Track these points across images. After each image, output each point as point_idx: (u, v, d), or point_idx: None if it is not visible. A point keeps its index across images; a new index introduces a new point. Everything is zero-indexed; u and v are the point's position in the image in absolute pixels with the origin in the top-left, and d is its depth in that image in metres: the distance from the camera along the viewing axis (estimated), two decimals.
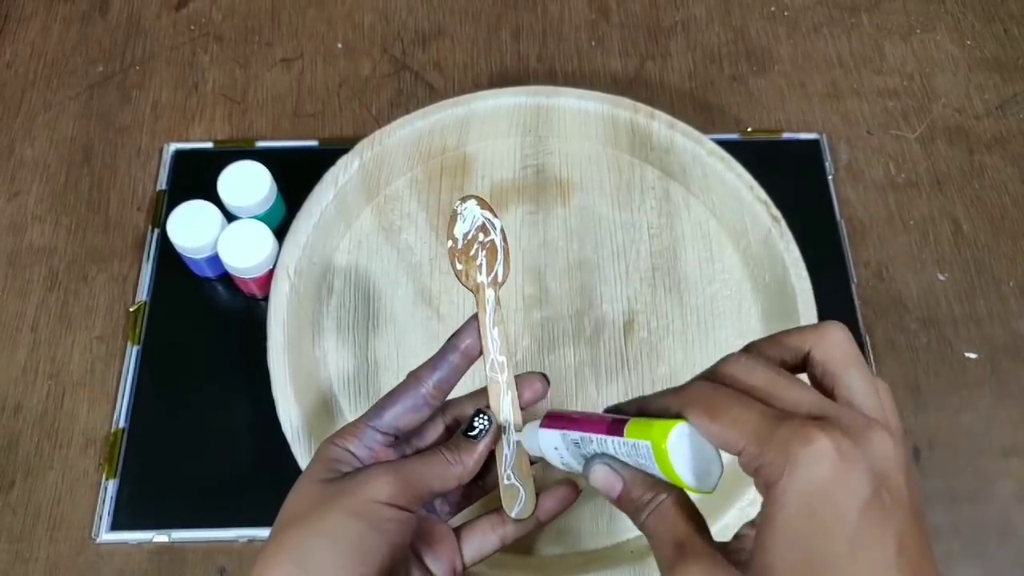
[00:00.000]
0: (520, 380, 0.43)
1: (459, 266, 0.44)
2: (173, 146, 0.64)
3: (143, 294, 0.58)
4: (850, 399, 0.30)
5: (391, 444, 0.41)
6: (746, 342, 0.35)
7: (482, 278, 0.43)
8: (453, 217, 0.44)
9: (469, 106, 0.60)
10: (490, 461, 0.42)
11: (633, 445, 0.33)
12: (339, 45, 0.69)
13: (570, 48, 0.69)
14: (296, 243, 0.55)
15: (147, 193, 0.62)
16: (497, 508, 0.42)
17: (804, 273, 0.54)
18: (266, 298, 0.54)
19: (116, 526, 0.51)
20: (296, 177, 0.58)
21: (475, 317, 0.43)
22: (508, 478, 0.42)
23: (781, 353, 0.33)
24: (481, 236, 0.44)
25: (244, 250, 0.54)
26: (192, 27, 0.70)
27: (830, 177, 0.63)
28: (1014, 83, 0.68)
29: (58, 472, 0.53)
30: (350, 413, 0.53)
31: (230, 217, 0.56)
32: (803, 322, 0.53)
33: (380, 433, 0.41)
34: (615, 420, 0.34)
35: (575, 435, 0.37)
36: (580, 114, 0.61)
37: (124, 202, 0.62)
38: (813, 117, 0.66)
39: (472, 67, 0.68)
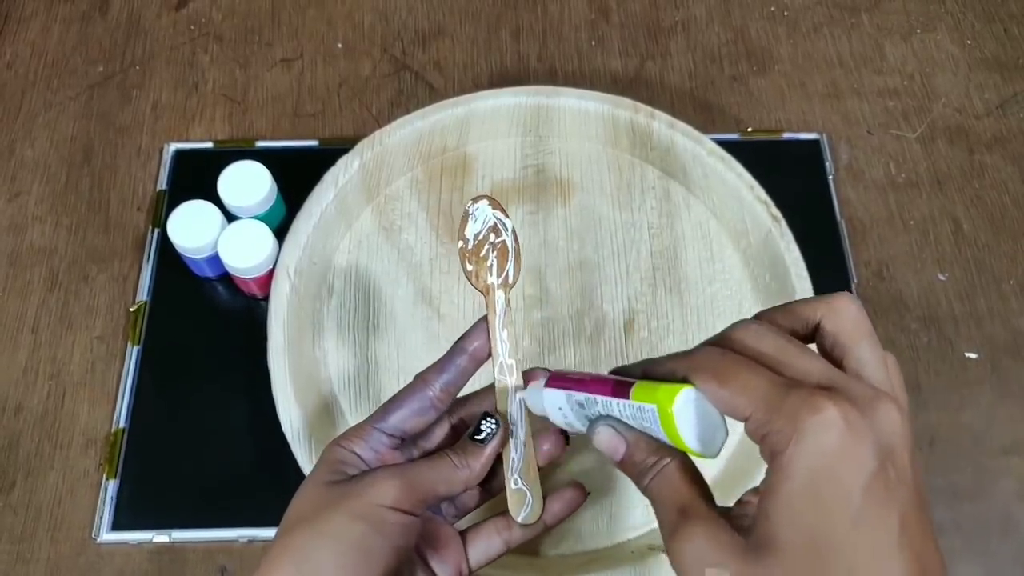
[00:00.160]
0: (524, 376, 0.43)
1: (469, 267, 0.43)
2: (173, 146, 0.64)
3: (143, 294, 0.58)
4: (859, 371, 0.30)
5: (397, 446, 0.41)
6: None
7: (492, 279, 0.43)
8: (464, 217, 0.43)
9: (469, 106, 0.60)
10: (497, 464, 0.41)
11: (638, 408, 0.33)
12: (339, 45, 0.69)
13: (570, 48, 0.69)
14: (296, 243, 0.55)
15: (147, 193, 0.62)
16: (503, 511, 0.42)
17: (804, 273, 0.54)
18: (266, 298, 0.54)
19: (117, 526, 0.51)
20: (296, 177, 0.58)
21: (484, 319, 0.42)
22: (515, 482, 0.41)
23: (791, 322, 0.32)
24: (492, 237, 0.43)
25: (244, 250, 0.54)
26: (192, 27, 0.70)
27: (830, 177, 0.63)
28: (1014, 83, 0.68)
29: (59, 472, 0.53)
30: (350, 413, 0.53)
31: (230, 217, 0.56)
32: None
33: (386, 435, 0.41)
34: (621, 382, 0.34)
35: (580, 396, 0.36)
36: (580, 114, 0.61)
37: (124, 202, 0.62)
38: (813, 117, 0.66)
39: (472, 67, 0.68)
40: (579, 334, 0.56)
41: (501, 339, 0.42)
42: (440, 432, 0.43)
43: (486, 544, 0.42)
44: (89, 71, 0.67)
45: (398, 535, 0.37)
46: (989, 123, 0.66)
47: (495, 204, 0.43)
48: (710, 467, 0.48)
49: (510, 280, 0.43)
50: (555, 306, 0.57)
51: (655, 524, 0.50)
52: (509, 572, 0.47)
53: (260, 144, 0.64)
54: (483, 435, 0.40)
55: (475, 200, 0.43)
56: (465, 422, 0.44)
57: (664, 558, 0.48)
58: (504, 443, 0.41)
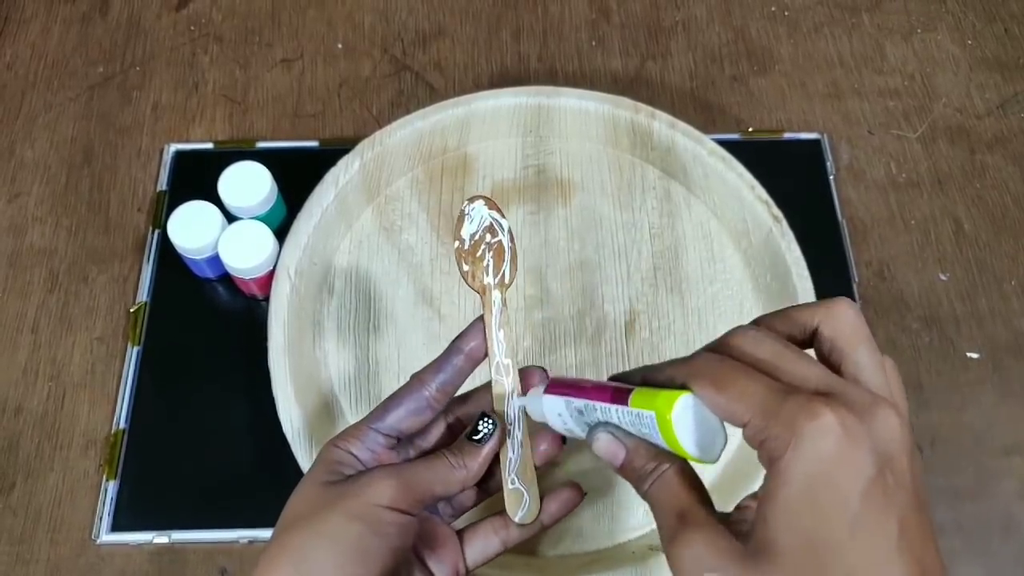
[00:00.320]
0: (522, 374, 0.43)
1: (465, 267, 0.43)
2: (173, 147, 0.64)
3: (143, 295, 0.58)
4: (857, 376, 0.30)
5: (393, 446, 0.41)
6: None
7: (489, 279, 0.43)
8: (460, 217, 0.43)
9: (470, 106, 0.60)
10: (494, 464, 0.41)
11: (637, 415, 0.33)
12: (339, 45, 0.69)
13: (571, 48, 0.69)
14: (297, 244, 0.55)
15: (147, 194, 0.62)
16: (500, 511, 0.42)
17: (805, 273, 0.54)
18: (267, 299, 0.54)
19: (116, 527, 0.51)
20: (296, 178, 0.58)
21: (480, 319, 0.42)
22: (512, 482, 0.41)
23: (789, 328, 0.33)
24: (488, 237, 0.43)
25: (245, 251, 0.54)
26: (192, 28, 0.70)
27: (831, 177, 0.63)
28: (1015, 82, 0.68)
29: (58, 473, 0.53)
30: (350, 413, 0.53)
31: (230, 218, 0.56)
32: None
33: (382, 435, 0.41)
34: (619, 389, 0.34)
35: (579, 403, 0.36)
36: (581, 114, 0.61)
37: (124, 203, 0.62)
38: (814, 117, 0.66)
39: (472, 67, 0.68)
40: (580, 334, 0.56)
41: (497, 339, 0.42)
42: (437, 432, 0.43)
43: (483, 544, 0.42)
44: (89, 72, 0.67)
45: (395, 535, 0.37)
46: (990, 123, 0.66)
47: (491, 204, 0.43)
48: (709, 471, 0.48)
49: (506, 280, 0.43)
50: (556, 306, 0.57)
51: (655, 525, 0.50)
52: (509, 573, 0.47)
53: (260, 145, 0.64)
54: (480, 435, 0.40)
55: (471, 200, 0.43)
56: (462, 422, 0.44)
57: (665, 559, 0.48)
58: (501, 443, 0.41)
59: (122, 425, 0.54)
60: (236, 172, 0.57)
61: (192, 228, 0.55)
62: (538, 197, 0.60)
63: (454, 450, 0.40)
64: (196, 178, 0.60)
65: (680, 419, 0.31)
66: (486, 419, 0.41)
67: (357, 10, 0.71)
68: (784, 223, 0.56)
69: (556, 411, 0.38)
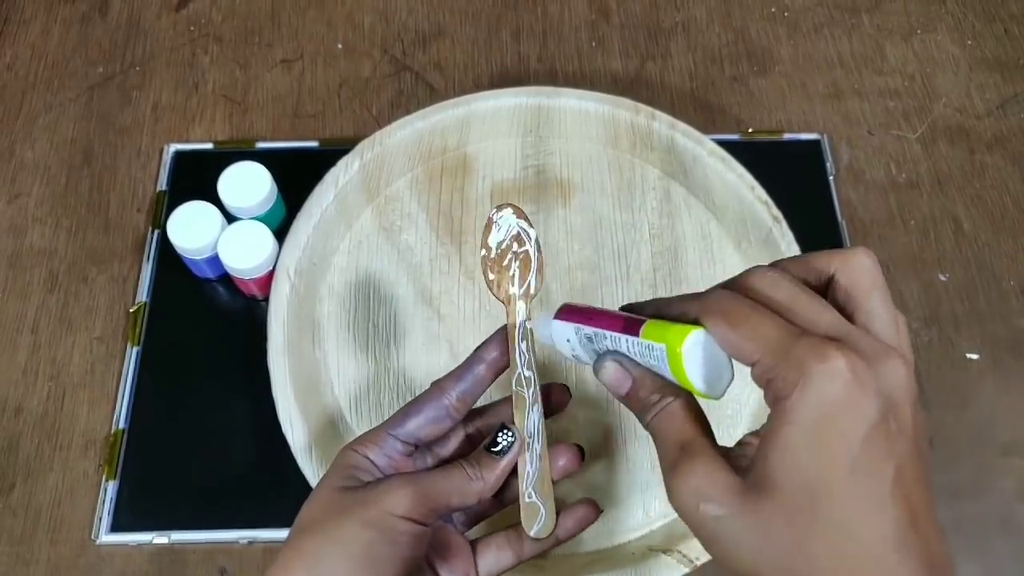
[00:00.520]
0: (544, 390, 0.42)
1: (491, 276, 0.43)
2: (173, 147, 0.64)
3: (143, 295, 0.58)
4: (869, 325, 0.30)
5: (410, 453, 0.41)
6: None
7: (514, 290, 0.43)
8: (488, 225, 0.43)
9: (469, 106, 0.60)
10: (511, 475, 0.41)
11: (647, 346, 0.33)
12: (339, 46, 0.69)
13: (570, 48, 0.69)
14: (296, 244, 0.55)
15: (147, 194, 0.62)
16: (515, 523, 0.42)
17: None
18: (266, 299, 0.54)
19: (116, 527, 0.51)
20: (296, 178, 0.58)
21: (503, 329, 0.42)
22: (529, 496, 0.41)
23: (806, 273, 0.32)
24: (515, 246, 0.43)
25: (244, 251, 0.54)
26: (192, 28, 0.70)
27: (831, 177, 0.63)
28: (1015, 83, 0.68)
29: (58, 474, 0.53)
30: (350, 414, 0.53)
31: (230, 218, 0.56)
32: None
33: (400, 442, 0.41)
34: (632, 320, 0.34)
35: (589, 330, 0.36)
36: (581, 114, 0.61)
37: (124, 203, 0.62)
38: (814, 117, 0.66)
39: (472, 67, 0.68)
40: None
41: (520, 350, 0.42)
42: (455, 441, 0.43)
43: (496, 555, 0.42)
44: (89, 72, 0.67)
45: (409, 544, 0.37)
46: (990, 123, 0.66)
47: (519, 213, 0.43)
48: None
49: (532, 291, 0.43)
50: (555, 307, 0.57)
51: (655, 526, 0.51)
52: (509, 573, 0.47)
53: (260, 145, 0.64)
54: (499, 447, 0.40)
55: (499, 208, 0.43)
56: (481, 432, 0.43)
57: (664, 559, 0.48)
58: (520, 456, 0.41)
59: (122, 425, 0.54)
60: (236, 172, 0.57)
61: (192, 228, 0.55)
62: (538, 197, 0.60)
63: (472, 461, 0.40)
64: (196, 178, 0.60)
65: (690, 353, 0.31)
66: (505, 431, 0.41)
67: (357, 10, 0.71)
68: (784, 223, 0.56)
69: (565, 336, 0.38)
